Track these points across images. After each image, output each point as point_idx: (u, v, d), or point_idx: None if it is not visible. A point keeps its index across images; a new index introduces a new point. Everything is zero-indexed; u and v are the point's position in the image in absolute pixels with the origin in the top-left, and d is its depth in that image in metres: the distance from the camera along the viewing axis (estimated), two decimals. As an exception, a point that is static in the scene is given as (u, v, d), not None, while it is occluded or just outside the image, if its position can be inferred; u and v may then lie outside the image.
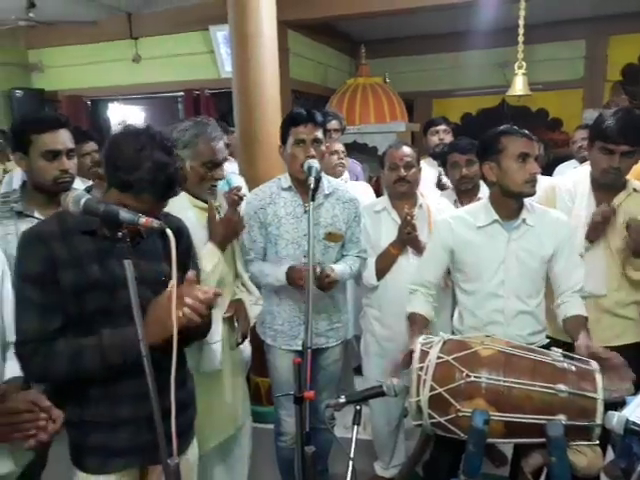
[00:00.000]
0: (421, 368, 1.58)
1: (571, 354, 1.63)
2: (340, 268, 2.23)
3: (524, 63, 3.60)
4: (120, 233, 1.26)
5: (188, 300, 1.28)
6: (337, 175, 3.07)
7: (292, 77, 5.19)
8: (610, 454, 1.81)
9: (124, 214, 1.22)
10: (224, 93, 4.77)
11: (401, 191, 2.43)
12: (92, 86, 5.82)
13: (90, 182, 2.61)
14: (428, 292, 2.05)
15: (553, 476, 1.47)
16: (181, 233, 1.55)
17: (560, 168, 3.94)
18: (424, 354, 1.62)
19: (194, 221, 1.91)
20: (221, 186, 2.20)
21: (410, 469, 2.62)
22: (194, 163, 1.94)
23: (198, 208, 2.00)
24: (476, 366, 1.55)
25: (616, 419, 1.33)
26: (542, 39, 5.59)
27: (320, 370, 2.34)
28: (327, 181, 2.29)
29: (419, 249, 2.35)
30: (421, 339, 1.69)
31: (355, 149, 4.54)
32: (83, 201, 1.24)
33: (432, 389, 1.55)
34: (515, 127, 1.93)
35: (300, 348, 1.80)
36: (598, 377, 1.50)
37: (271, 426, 2.52)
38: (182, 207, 1.87)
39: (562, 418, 1.45)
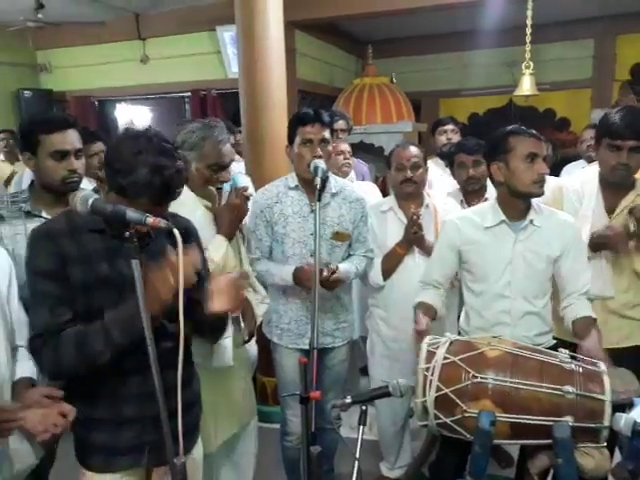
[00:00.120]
0: (427, 368, 1.58)
1: (578, 355, 1.62)
2: (346, 267, 2.23)
3: (532, 63, 3.59)
4: (127, 233, 1.26)
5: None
6: (343, 175, 3.07)
7: (299, 77, 5.20)
8: (617, 456, 1.80)
9: (131, 214, 1.22)
10: (231, 93, 4.80)
11: (408, 192, 2.42)
12: (100, 86, 5.86)
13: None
14: (438, 289, 2.05)
15: (560, 478, 1.46)
16: (189, 234, 1.55)
17: (568, 168, 3.91)
18: (430, 354, 1.61)
19: (202, 221, 1.91)
20: (228, 186, 2.20)
21: (416, 470, 2.62)
22: (200, 165, 1.94)
23: (206, 208, 2.01)
24: (483, 367, 1.55)
25: (624, 421, 1.33)
26: (550, 39, 5.56)
27: (326, 370, 2.34)
28: (334, 180, 2.29)
29: (425, 249, 2.35)
30: (427, 339, 1.69)
31: (361, 149, 4.52)
32: (91, 201, 1.24)
33: (438, 390, 1.55)
34: (523, 127, 1.92)
35: (307, 347, 1.80)
36: (606, 379, 1.49)
37: (277, 426, 2.53)
38: (191, 208, 1.87)
39: (569, 420, 1.45)
